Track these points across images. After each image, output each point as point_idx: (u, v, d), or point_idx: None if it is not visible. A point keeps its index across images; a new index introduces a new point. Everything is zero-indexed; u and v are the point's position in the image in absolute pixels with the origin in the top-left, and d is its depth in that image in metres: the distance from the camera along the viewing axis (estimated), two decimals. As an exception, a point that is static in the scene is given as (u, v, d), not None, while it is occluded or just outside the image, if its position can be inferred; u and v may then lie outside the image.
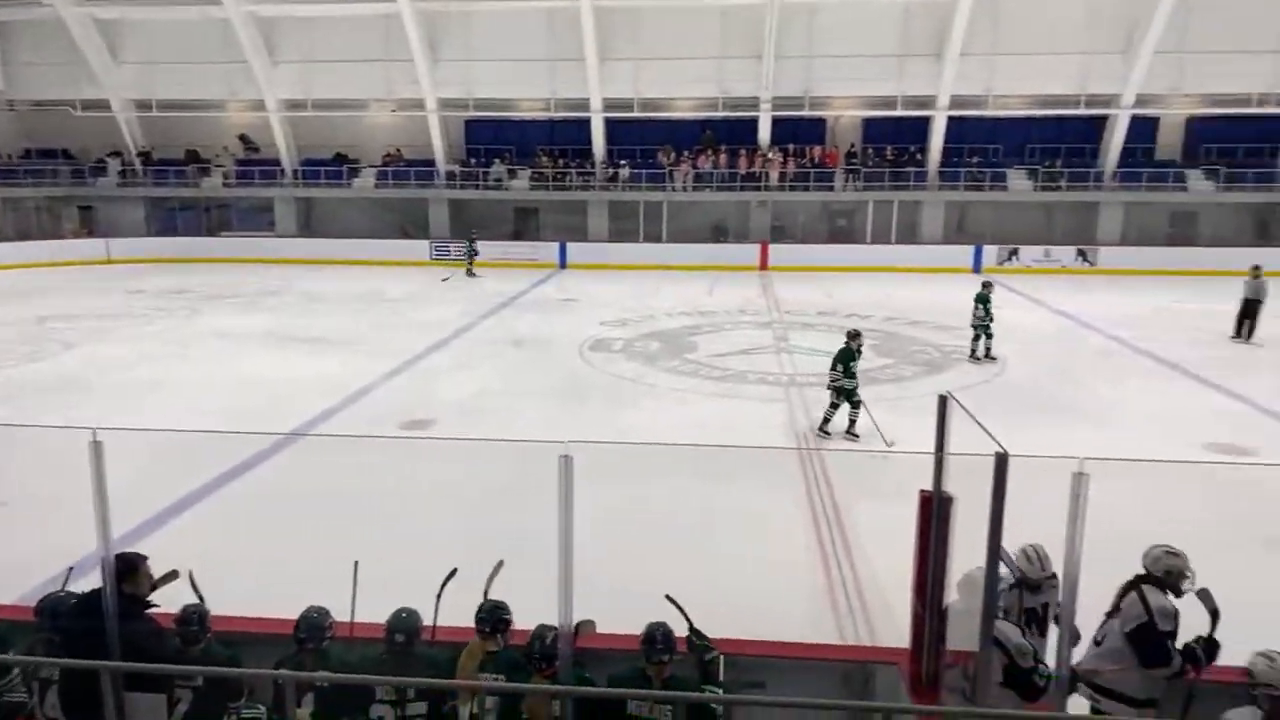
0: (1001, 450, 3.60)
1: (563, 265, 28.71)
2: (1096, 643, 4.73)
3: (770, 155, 29.15)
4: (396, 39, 28.05)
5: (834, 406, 11.30)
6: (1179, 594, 4.58)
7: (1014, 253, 27.22)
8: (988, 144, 29.10)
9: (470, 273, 26.58)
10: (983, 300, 15.38)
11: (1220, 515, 8.13)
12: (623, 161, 29.98)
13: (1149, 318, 19.27)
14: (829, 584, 7.22)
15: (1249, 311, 16.93)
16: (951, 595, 4.47)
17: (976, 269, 26.92)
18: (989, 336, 15.41)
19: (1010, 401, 12.76)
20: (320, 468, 9.69)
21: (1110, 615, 4.72)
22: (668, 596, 4.32)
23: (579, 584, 3.78)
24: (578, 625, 4.26)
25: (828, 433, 11.29)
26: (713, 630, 4.48)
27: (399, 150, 31.18)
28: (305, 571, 5.16)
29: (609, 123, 29.66)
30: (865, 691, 4.67)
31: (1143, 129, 28.15)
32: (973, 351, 15.51)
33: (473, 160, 31.21)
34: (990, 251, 27.32)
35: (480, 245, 27.26)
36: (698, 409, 12.76)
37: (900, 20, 27.22)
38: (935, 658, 4.38)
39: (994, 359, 15.33)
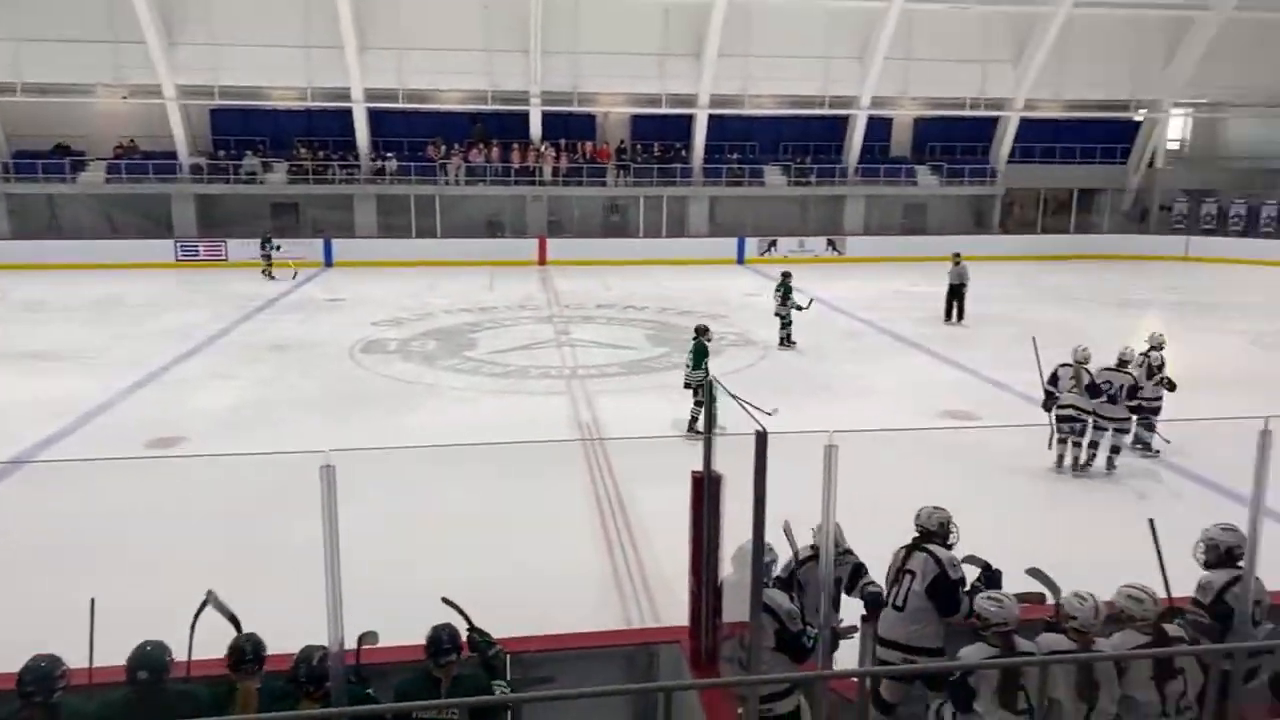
0: (761, 429, 3.81)
1: (328, 263, 27.25)
2: (897, 608, 4.96)
3: (543, 150, 29.22)
4: (124, 18, 25.30)
5: (699, 404, 10.98)
6: (948, 545, 5.09)
7: (773, 244, 29.04)
8: (745, 141, 30.83)
9: (268, 274, 24.50)
10: (782, 289, 16.26)
11: (963, 472, 9.09)
12: (389, 154, 28.90)
13: (889, 300, 21.24)
14: (614, 570, 7.37)
15: (955, 295, 18.85)
16: (727, 569, 4.70)
17: (740, 260, 28.50)
18: (786, 324, 16.28)
19: (775, 383, 13.61)
20: (48, 499, 8.58)
21: (898, 579, 5.04)
22: (444, 599, 4.23)
23: (362, 596, 3.60)
24: (360, 639, 4.05)
25: (699, 431, 11.25)
26: (501, 628, 4.43)
27: (133, 141, 28.21)
28: (32, 618, 4.55)
29: (373, 114, 28.48)
30: (649, 673, 4.80)
31: (878, 128, 30.95)
32: (783, 339, 16.21)
33: (221, 153, 28.85)
34: (752, 243, 28.99)
35: (246, 245, 25.30)
36: (481, 407, 12.58)
37: (661, 20, 28.15)
38: (712, 632, 4.58)
39: (794, 344, 16.18)
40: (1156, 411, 10.37)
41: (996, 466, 9.74)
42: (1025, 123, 30.46)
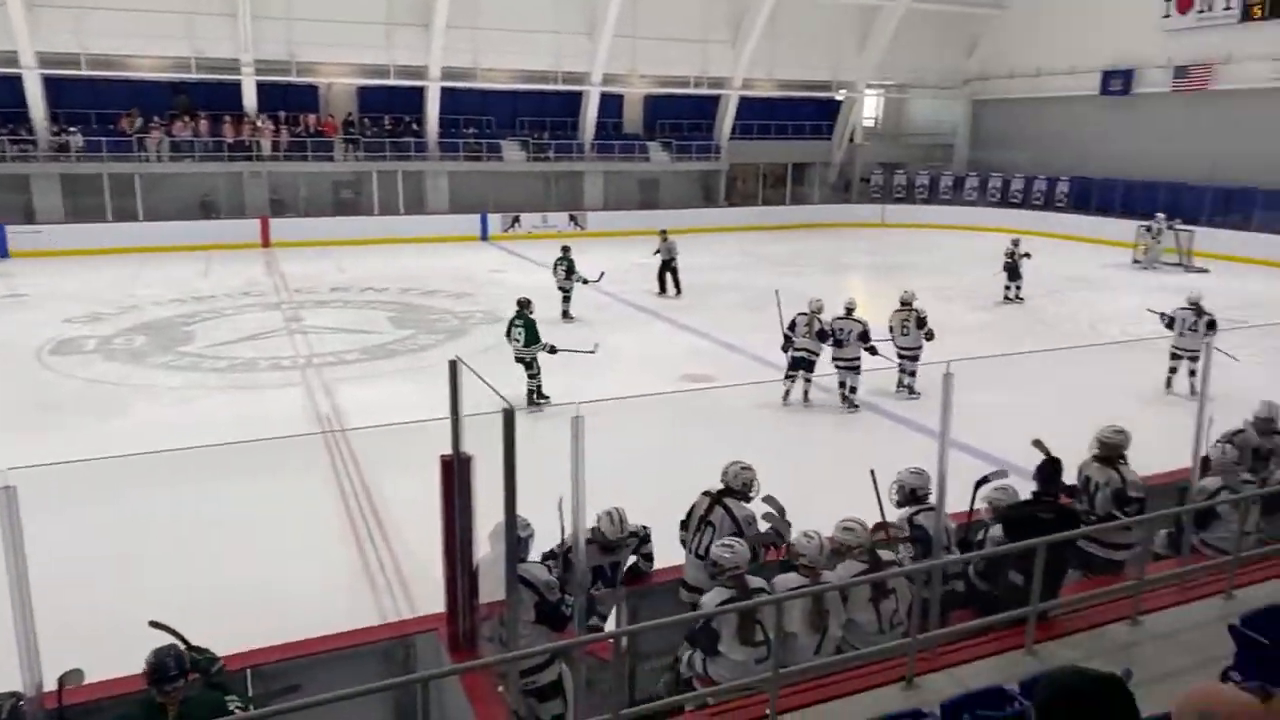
0: (508, 406, 3.79)
1: (3, 254, 23.57)
2: (700, 556, 5.36)
3: (260, 123, 27.01)
4: None
5: (533, 377, 11.24)
6: (749, 500, 5.63)
7: (516, 219, 28.95)
8: (481, 116, 30.37)
9: None
10: (566, 264, 16.49)
11: (705, 426, 9.62)
12: (73, 128, 25.39)
13: (628, 273, 21.89)
14: (365, 565, 7.07)
15: (667, 270, 19.11)
16: (485, 549, 4.65)
17: (484, 236, 28.16)
18: (567, 298, 16.48)
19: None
20: None
21: (700, 529, 5.57)
22: (152, 622, 3.82)
23: (67, 630, 3.17)
24: (61, 680, 3.57)
25: (537, 402, 11.21)
26: (240, 641, 4.10)
27: None
28: None
29: (49, 81, 24.85)
30: (406, 665, 4.67)
31: (611, 105, 31.70)
32: (565, 313, 16.37)
33: None
34: (495, 219, 28.72)
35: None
36: (203, 405, 11.50)
37: (383, -13, 26.96)
38: (470, 614, 4.53)
39: (572, 318, 16.25)
40: (916, 359, 11.72)
41: (736, 421, 10.40)
42: (744, 101, 32.49)
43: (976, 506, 5.75)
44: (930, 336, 11.80)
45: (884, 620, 5.02)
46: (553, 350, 11.37)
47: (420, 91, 28.50)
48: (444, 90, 28.59)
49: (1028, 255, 18.27)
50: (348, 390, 12.14)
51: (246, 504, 7.87)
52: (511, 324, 11.45)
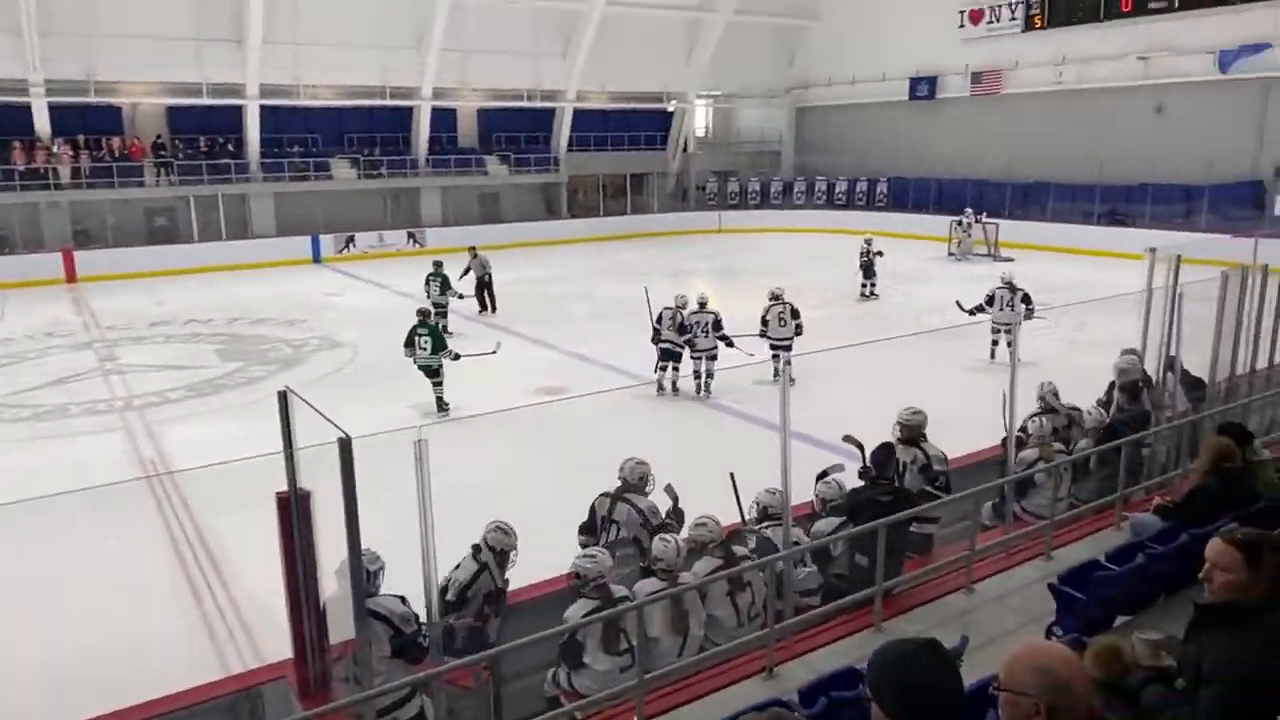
0: (344, 435, 3.63)
1: None
2: (610, 550, 5.54)
3: (55, 148, 24.84)
4: None
5: (439, 385, 11.67)
6: (647, 494, 5.89)
7: (351, 240, 27.92)
8: (307, 133, 29.14)
9: None
10: (439, 280, 16.34)
11: (561, 442, 9.57)
12: None
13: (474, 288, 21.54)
14: (203, 615, 6.60)
15: (483, 288, 18.50)
16: (332, 587, 4.43)
17: (317, 259, 27.00)
18: (443, 314, 16.22)
19: (364, 385, 13.16)
20: None
21: (605, 527, 5.93)
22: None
23: None
24: None
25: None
26: (63, 716, 3.72)
27: None
28: None
29: None
30: (253, 718, 4.38)
31: (444, 119, 31.15)
32: (444, 328, 15.70)
33: None
34: (328, 240, 27.59)
35: None
36: (9, 460, 10.41)
37: (191, 4, 25.37)
38: (320, 655, 4.31)
39: (451, 334, 15.66)
40: (788, 348, 12.43)
41: (589, 434, 10.40)
42: (579, 113, 32.71)
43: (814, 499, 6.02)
44: (800, 330, 12.69)
45: (742, 614, 5.15)
46: (456, 357, 11.75)
47: (238, 110, 27.03)
48: (264, 108, 27.23)
49: (880, 253, 19.49)
50: (174, 431, 11.33)
51: (66, 562, 7.18)
52: (414, 333, 11.76)
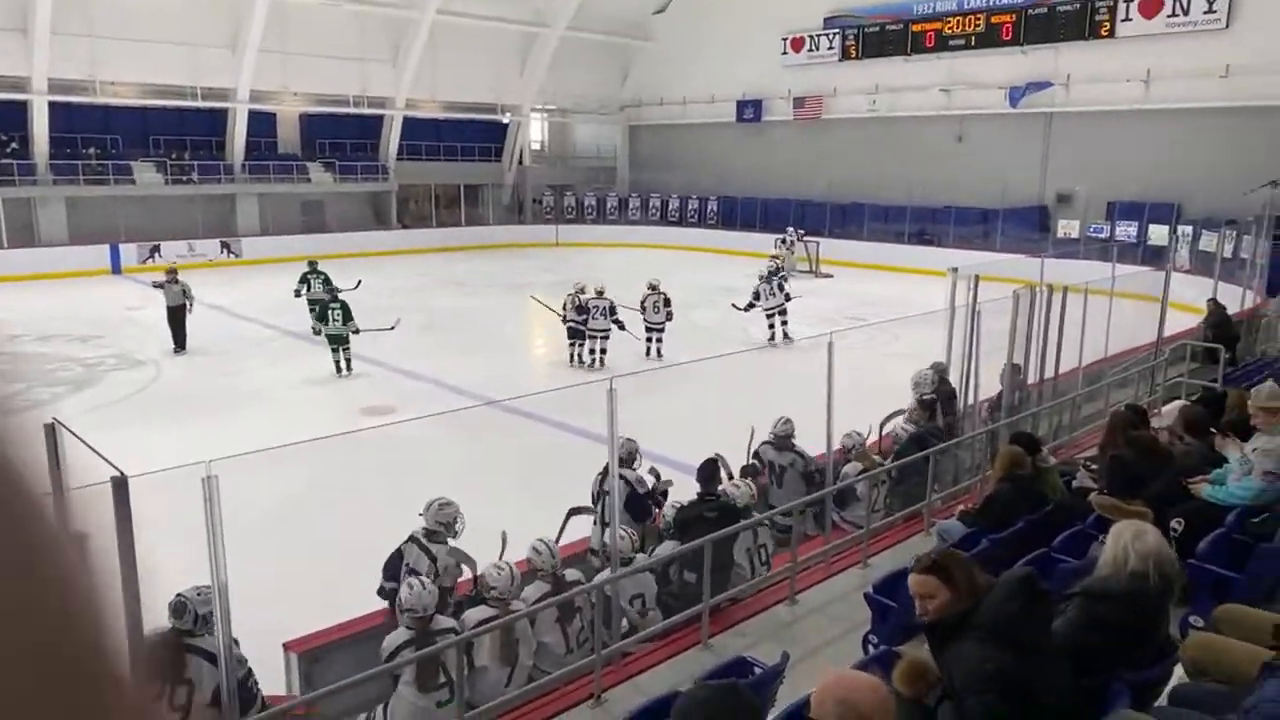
0: (118, 474, 3.25)
1: None
2: (606, 524, 5.72)
3: None
4: None
5: (345, 352, 13.38)
6: (456, 535, 5.57)
7: (156, 249, 25.83)
8: (105, 135, 26.81)
9: None
10: (316, 277, 16.51)
11: (385, 469, 9.11)
12: None
13: (295, 303, 20.41)
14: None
15: (175, 321, 15.46)
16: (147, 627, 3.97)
17: (116, 269, 24.82)
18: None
19: (166, 407, 12.16)
20: None
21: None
22: None
23: None
24: None
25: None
26: None
27: None
28: None
29: None
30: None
31: (263, 123, 29.47)
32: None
33: None
34: (130, 250, 25.43)
35: None
36: None
37: (-39, -17, 22.83)
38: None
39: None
40: (662, 330, 15.26)
41: (414, 458, 10.01)
42: (411, 121, 31.81)
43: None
44: (670, 316, 15.20)
45: (571, 640, 5.04)
46: (356, 331, 13.56)
47: (23, 106, 24.48)
48: (54, 105, 24.80)
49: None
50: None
51: None
52: (327, 306, 13.73)
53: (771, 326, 16.29)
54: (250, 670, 4.22)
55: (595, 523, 6.41)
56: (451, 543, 5.54)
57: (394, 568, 5.53)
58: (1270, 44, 20.71)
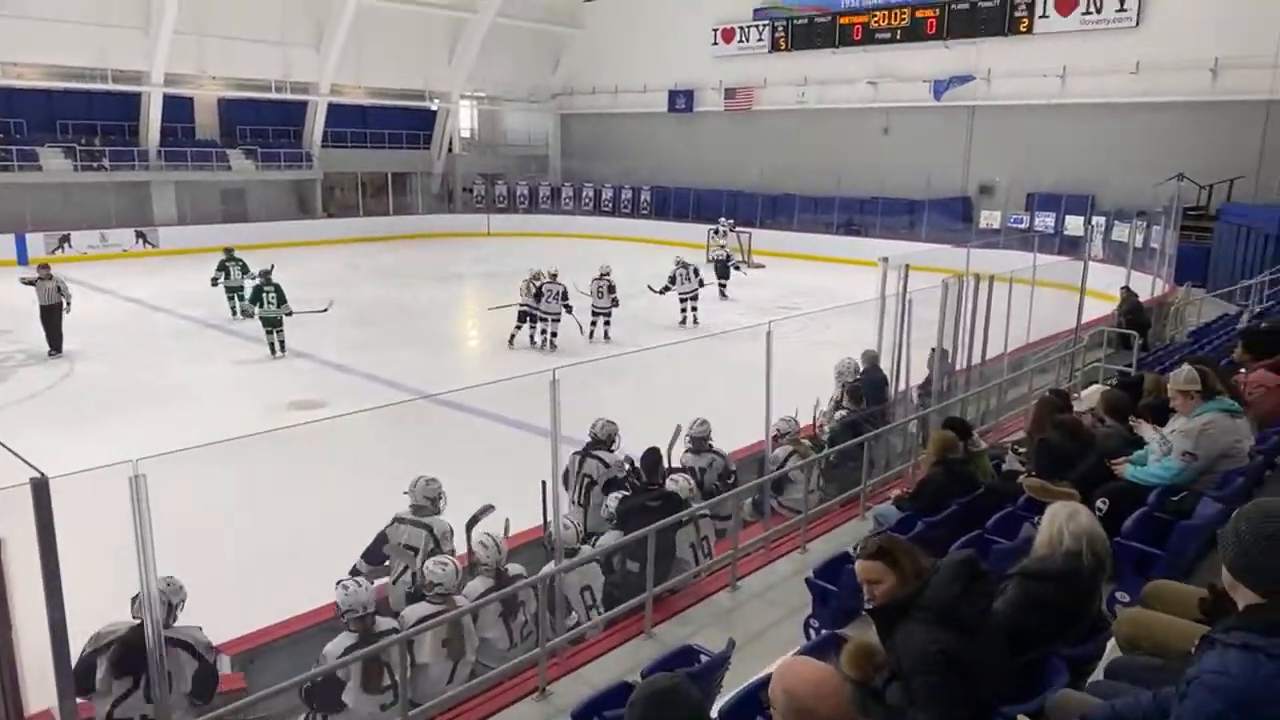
0: (38, 475, 3.08)
1: None
2: (581, 504, 6.41)
3: None
4: None
5: (280, 333, 14.03)
6: (439, 512, 5.62)
7: (65, 239, 24.70)
8: (9, 119, 25.47)
9: None
10: (235, 264, 16.97)
11: (324, 459, 8.88)
12: None
13: (217, 293, 19.74)
14: None
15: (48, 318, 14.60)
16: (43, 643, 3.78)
17: (23, 260, 23.61)
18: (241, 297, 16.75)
19: (82, 403, 11.65)
20: None
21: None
22: None
23: None
24: None
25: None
26: None
27: None
28: None
29: None
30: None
31: (180, 108, 28.37)
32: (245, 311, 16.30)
33: None
34: (36, 239, 24.24)
35: None
36: None
37: None
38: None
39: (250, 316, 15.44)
40: (608, 315, 16.00)
41: (344, 452, 9.79)
42: (336, 108, 30.98)
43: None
44: (615, 303, 15.93)
45: (515, 634, 5.00)
46: (289, 313, 14.20)
47: (-85, 86, 23.11)
48: (-50, 86, 23.48)
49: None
50: None
51: None
52: (261, 290, 14.22)
53: (684, 310, 17.37)
54: (219, 655, 4.17)
55: (572, 503, 6.56)
56: (438, 518, 5.57)
57: (375, 553, 5.57)
58: (1177, 42, 21.63)
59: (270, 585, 6.10)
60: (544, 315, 15.07)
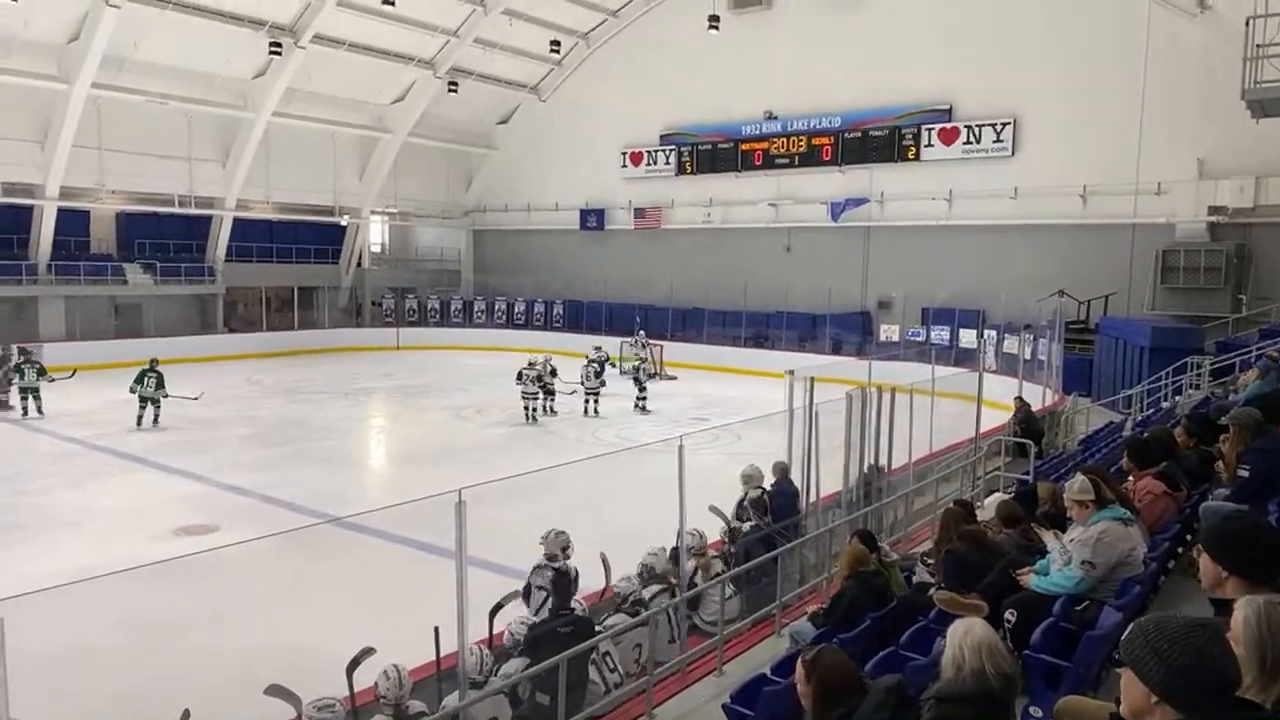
0: None
1: None
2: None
3: None
4: None
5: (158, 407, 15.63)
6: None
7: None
8: (-117, 229, 24.23)
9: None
10: (151, 375, 17.04)
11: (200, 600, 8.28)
12: None
13: (105, 412, 18.77)
14: None
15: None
16: None
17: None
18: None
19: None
20: None
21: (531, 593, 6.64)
22: None
23: None
24: None
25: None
26: None
27: None
28: None
29: None
30: None
31: (75, 222, 27.54)
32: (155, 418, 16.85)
33: None
34: (-94, 356, 22.69)
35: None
36: None
37: None
38: None
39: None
40: (598, 395, 19.81)
41: (239, 582, 9.20)
42: (241, 222, 30.60)
43: (496, 632, 5.73)
44: (604, 384, 19.86)
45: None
46: (166, 395, 16.85)
47: None
48: None
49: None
50: None
51: None
52: (145, 373, 16.88)
53: (587, 403, 19.76)
54: None
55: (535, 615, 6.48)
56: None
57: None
58: (1050, 170, 23.50)
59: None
60: (547, 390, 19.17)
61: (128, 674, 6.90)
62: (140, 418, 17.05)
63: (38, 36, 23.48)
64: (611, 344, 27.66)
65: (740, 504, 8.51)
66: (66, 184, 25.91)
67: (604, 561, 7.05)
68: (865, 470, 8.79)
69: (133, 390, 17.17)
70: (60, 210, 26.29)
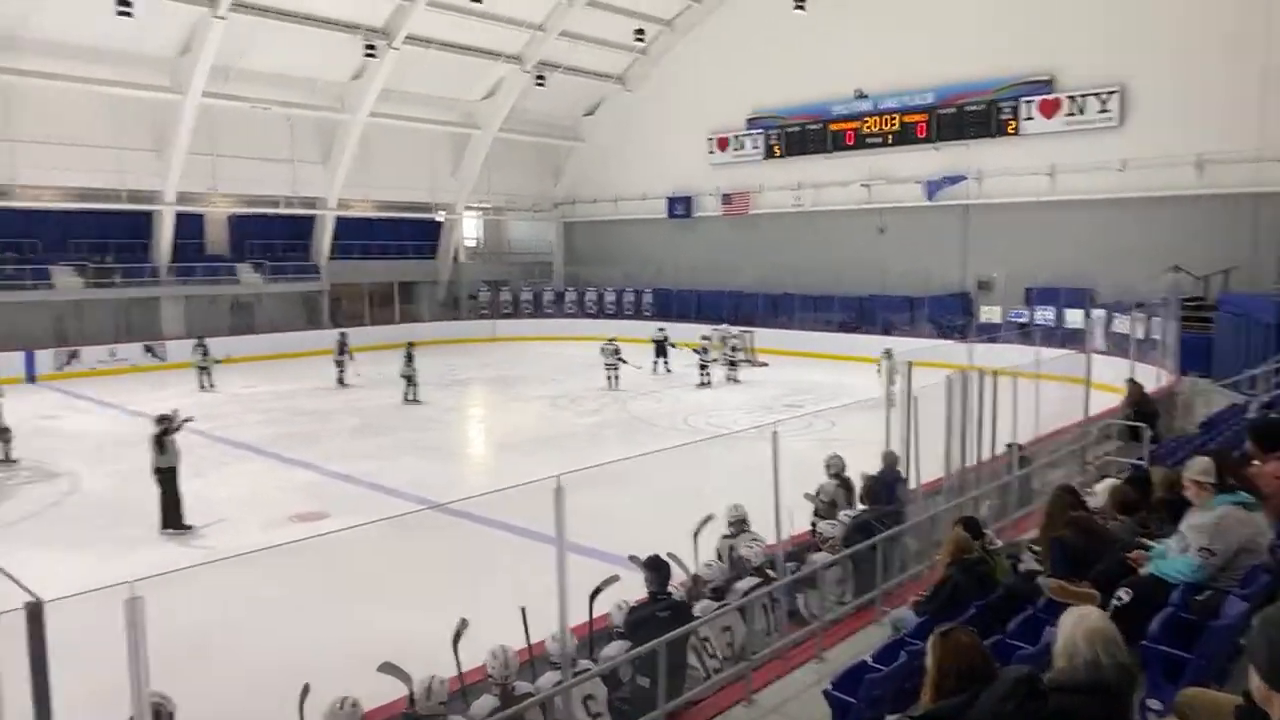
0: (34, 599, 3.02)
1: None
2: None
3: None
4: None
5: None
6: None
7: (74, 355, 24.96)
8: (23, 238, 26.10)
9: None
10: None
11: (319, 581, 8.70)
12: None
13: (225, 405, 19.85)
14: None
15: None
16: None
17: (31, 378, 23.82)
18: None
19: (83, 521, 11.50)
20: None
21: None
22: None
23: None
24: None
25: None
26: None
27: None
28: None
29: None
30: None
31: (191, 225, 29.08)
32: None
33: None
34: (45, 356, 24.49)
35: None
36: None
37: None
38: None
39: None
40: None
41: (349, 564, 9.61)
42: (342, 220, 31.78)
43: (597, 615, 5.83)
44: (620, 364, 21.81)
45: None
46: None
47: (-65, 211, 23.77)
48: (-31, 209, 24.15)
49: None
50: None
51: None
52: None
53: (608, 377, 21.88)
54: None
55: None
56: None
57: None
58: (1160, 140, 22.26)
59: (279, 709, 5.86)
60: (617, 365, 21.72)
61: (253, 651, 7.30)
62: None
63: (152, 51, 24.86)
64: (702, 331, 27.67)
65: (818, 492, 8.52)
66: (182, 189, 27.39)
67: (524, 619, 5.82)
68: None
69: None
70: (177, 214, 27.80)
